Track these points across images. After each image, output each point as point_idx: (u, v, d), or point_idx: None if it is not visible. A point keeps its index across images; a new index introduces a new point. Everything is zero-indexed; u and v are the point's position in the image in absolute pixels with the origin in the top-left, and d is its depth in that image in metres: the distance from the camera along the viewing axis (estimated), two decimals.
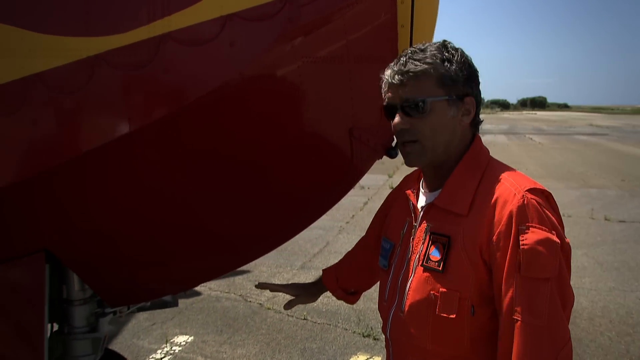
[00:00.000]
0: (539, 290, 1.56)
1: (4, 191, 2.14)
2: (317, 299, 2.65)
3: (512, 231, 1.59)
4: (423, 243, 1.79)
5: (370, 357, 5.29)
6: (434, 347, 1.73)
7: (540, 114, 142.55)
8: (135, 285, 3.21)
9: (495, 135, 39.54)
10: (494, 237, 1.62)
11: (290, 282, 2.72)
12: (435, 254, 1.73)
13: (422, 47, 1.80)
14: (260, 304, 6.73)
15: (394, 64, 1.81)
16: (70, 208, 2.40)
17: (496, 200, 1.66)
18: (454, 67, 1.76)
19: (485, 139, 32.69)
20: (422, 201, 1.91)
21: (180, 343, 5.58)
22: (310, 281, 2.69)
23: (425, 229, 1.81)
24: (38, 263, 2.65)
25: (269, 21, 2.16)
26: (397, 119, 1.79)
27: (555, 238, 1.59)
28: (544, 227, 1.59)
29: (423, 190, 1.94)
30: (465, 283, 1.67)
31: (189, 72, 2.09)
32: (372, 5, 2.48)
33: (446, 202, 1.78)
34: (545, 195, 1.69)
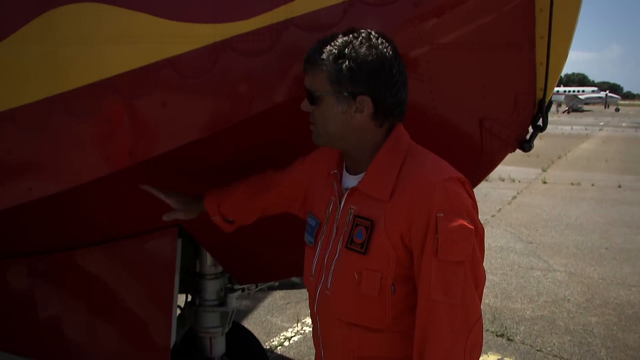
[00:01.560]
0: (454, 272, 1.70)
1: (143, 166, 2.28)
2: (194, 217, 2.52)
3: (430, 218, 1.71)
4: (347, 225, 1.87)
5: (502, 359, 5.07)
6: (358, 321, 1.86)
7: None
8: (260, 265, 3.32)
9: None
10: (414, 224, 1.73)
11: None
12: (358, 237, 1.83)
13: (326, 40, 1.82)
14: None
15: (312, 48, 1.85)
16: (200, 186, 2.50)
17: (415, 188, 1.76)
18: (346, 65, 1.76)
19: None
20: (345, 183, 1.97)
21: (311, 324, 5.68)
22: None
23: (349, 211, 1.88)
24: (172, 236, 2.82)
25: (393, 6, 2.10)
26: (304, 102, 1.89)
27: (469, 225, 1.71)
28: (459, 215, 1.71)
29: (346, 173, 1.99)
30: (386, 264, 1.78)
31: None
32: None
33: (368, 187, 1.85)
34: (461, 182, 1.80)
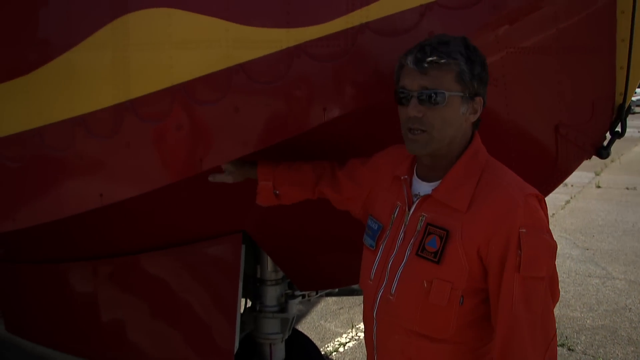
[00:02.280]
0: (535, 288, 1.70)
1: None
2: (241, 179, 2.37)
3: (512, 233, 1.69)
4: (418, 232, 1.84)
5: None
6: (420, 329, 1.83)
7: None
8: (322, 272, 3.29)
9: None
10: (494, 238, 1.71)
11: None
12: (431, 245, 1.79)
13: (446, 40, 1.78)
14: None
15: (417, 51, 1.77)
16: None
17: (497, 201, 1.74)
18: (473, 65, 1.77)
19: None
20: (416, 189, 1.93)
21: None
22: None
23: (420, 218, 1.85)
24: (236, 241, 2.82)
25: (471, 9, 2.05)
26: (411, 106, 1.77)
27: (552, 240, 1.73)
28: (540, 231, 1.72)
29: (417, 178, 1.95)
30: (458, 275, 1.75)
31: (386, 64, 2.04)
32: None
33: (445, 196, 1.81)
34: (539, 199, 1.78)
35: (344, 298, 6.18)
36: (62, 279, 3.23)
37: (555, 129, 2.44)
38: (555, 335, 1.77)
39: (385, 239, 1.95)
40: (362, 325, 5.61)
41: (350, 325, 5.75)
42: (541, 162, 2.53)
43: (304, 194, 2.33)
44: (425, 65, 1.73)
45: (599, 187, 14.17)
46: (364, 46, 2.05)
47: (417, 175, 1.95)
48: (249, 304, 3.52)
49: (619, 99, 2.44)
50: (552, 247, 1.74)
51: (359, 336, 5.50)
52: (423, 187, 1.91)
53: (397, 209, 1.94)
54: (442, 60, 1.73)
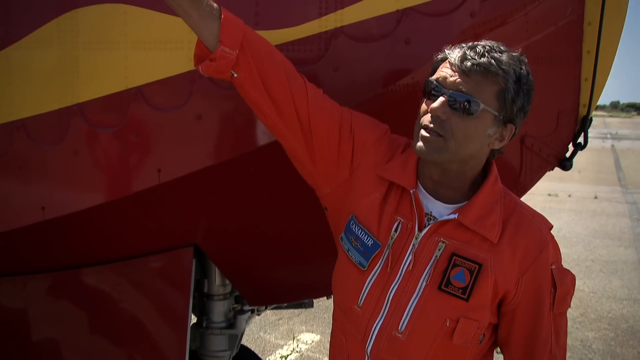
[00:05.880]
0: (562, 322, 1.70)
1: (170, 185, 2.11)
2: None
3: (546, 271, 1.63)
4: (436, 260, 1.62)
5: None
6: None
7: None
8: (274, 286, 3.16)
9: (633, 140, 36.94)
10: (527, 275, 1.62)
11: None
12: (458, 279, 1.60)
13: (503, 49, 1.58)
14: None
15: (468, 48, 1.56)
16: (217, 206, 2.39)
17: (528, 237, 1.64)
18: (520, 89, 1.57)
19: (623, 144, 30.73)
20: (427, 207, 1.69)
21: (307, 341, 5.53)
22: None
23: (440, 245, 1.63)
24: (187, 255, 2.65)
25: (449, 16, 1.98)
26: (437, 103, 1.55)
27: (573, 273, 1.71)
28: (562, 265, 1.69)
29: (426, 194, 1.71)
30: (485, 313, 1.62)
31: (360, 70, 1.94)
32: (558, 2, 2.22)
33: (477, 224, 1.62)
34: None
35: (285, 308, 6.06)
36: None
37: (521, 140, 2.40)
38: None
39: (383, 260, 1.68)
40: (303, 337, 5.54)
41: (291, 337, 5.64)
42: (505, 174, 2.48)
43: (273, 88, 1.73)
44: (470, 65, 1.52)
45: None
46: (338, 51, 1.94)
47: (426, 191, 1.71)
48: (194, 320, 3.35)
49: (582, 111, 2.43)
50: (574, 280, 1.72)
51: (301, 348, 5.39)
52: (437, 208, 1.69)
53: (399, 226, 1.69)
54: (492, 68, 1.51)
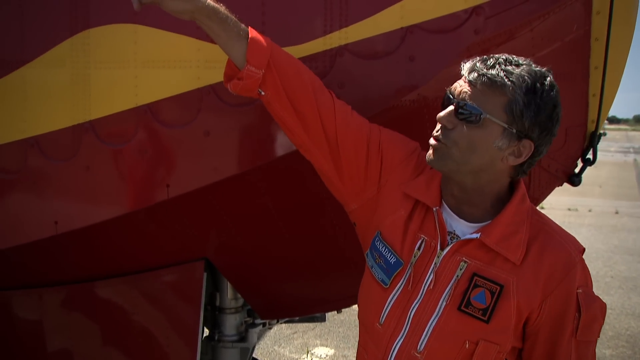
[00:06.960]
0: (588, 352, 1.63)
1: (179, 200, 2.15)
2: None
3: (571, 295, 1.58)
4: (457, 280, 1.60)
5: None
6: None
7: None
8: (285, 300, 3.18)
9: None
10: (552, 298, 1.58)
11: None
12: (479, 300, 1.58)
13: (520, 62, 1.56)
14: None
15: (479, 60, 1.57)
16: (226, 221, 2.41)
17: (555, 258, 1.59)
18: (535, 102, 1.52)
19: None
20: (450, 225, 1.68)
21: (321, 355, 5.53)
22: None
23: (461, 264, 1.61)
24: (198, 269, 2.68)
25: (453, 33, 2.00)
26: (444, 112, 1.57)
27: (603, 302, 1.64)
28: (591, 290, 1.63)
29: (450, 211, 1.69)
30: (507, 337, 1.58)
31: (365, 87, 1.97)
32: (564, 17, 2.22)
33: (500, 244, 1.59)
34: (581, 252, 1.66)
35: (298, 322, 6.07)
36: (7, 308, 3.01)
37: None
38: None
39: (405, 279, 1.66)
40: (317, 351, 5.54)
41: (305, 351, 5.63)
42: None
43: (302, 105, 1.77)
44: (477, 76, 1.53)
45: (542, 208, 14.48)
46: (343, 69, 1.98)
47: (449, 208, 1.70)
48: (206, 333, 3.37)
49: (590, 127, 2.43)
50: (605, 309, 1.65)
51: None
52: (460, 226, 1.67)
53: (422, 244, 1.68)
54: (497, 79, 1.50)
